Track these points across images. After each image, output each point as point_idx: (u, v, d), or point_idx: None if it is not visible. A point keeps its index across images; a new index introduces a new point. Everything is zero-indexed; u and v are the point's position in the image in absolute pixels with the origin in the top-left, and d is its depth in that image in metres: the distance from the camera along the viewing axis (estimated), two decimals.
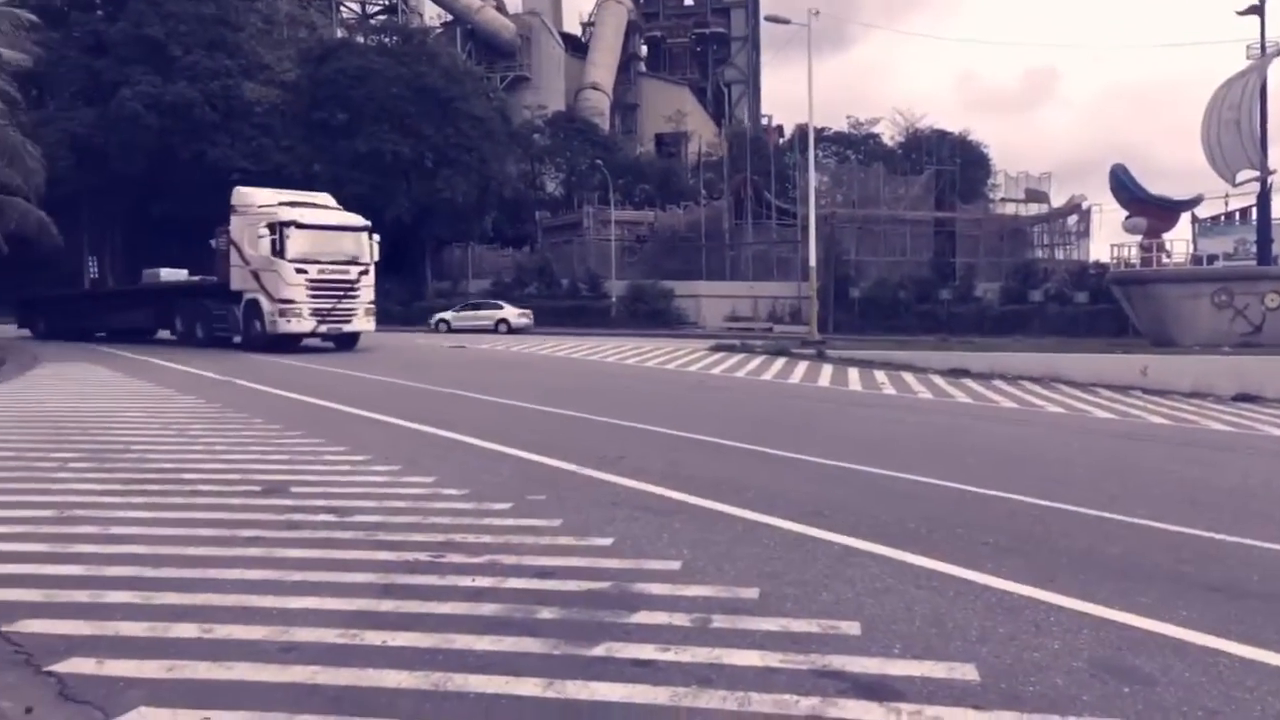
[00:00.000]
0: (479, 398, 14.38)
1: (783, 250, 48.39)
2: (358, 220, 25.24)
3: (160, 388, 15.52)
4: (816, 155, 38.84)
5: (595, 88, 73.58)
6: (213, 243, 25.74)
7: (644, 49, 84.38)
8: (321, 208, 25.41)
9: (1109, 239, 64.77)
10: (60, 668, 3.94)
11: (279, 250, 22.91)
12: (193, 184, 45.58)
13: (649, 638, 4.37)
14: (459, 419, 11.73)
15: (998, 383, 18.89)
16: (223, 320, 25.13)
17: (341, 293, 23.83)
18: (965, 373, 20.28)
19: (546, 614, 4.67)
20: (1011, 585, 5.24)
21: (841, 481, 8.48)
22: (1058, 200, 53.21)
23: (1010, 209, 53.78)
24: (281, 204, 24.13)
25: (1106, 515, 7.12)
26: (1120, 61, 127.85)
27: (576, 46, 79.63)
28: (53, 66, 41.56)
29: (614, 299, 45.22)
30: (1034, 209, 53.14)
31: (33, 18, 26.29)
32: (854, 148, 62.74)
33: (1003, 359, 22.06)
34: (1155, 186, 36.68)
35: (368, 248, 24.52)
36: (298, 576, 5.24)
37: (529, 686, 3.83)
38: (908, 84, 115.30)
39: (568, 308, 44.61)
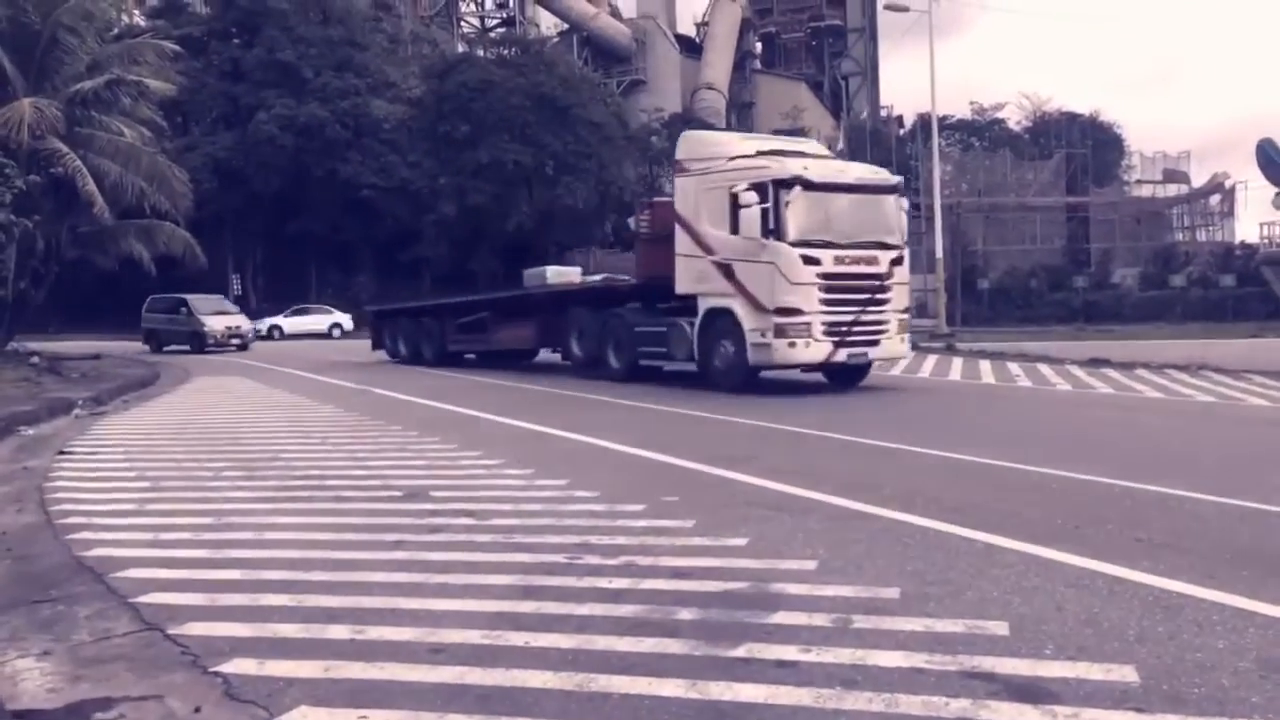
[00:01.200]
0: (608, 400, 14.52)
1: (906, 243, 47.29)
2: (886, 176, 16.61)
3: (300, 397, 16.15)
4: (939, 144, 37.94)
5: (711, 87, 73.38)
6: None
7: (758, 46, 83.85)
8: (817, 157, 16.86)
9: (1257, 218, 61.54)
10: (225, 668, 4.12)
11: (774, 227, 14.37)
12: (326, 202, 47.48)
13: (790, 638, 4.32)
14: (585, 422, 11.85)
15: (1141, 372, 18.12)
16: (656, 341, 16.66)
17: (868, 295, 15.01)
18: (1105, 362, 19.52)
19: (685, 615, 4.67)
20: (1169, 583, 5.01)
21: (981, 477, 8.26)
22: (1199, 180, 50.85)
23: (1147, 191, 51.63)
24: (761, 153, 15.80)
25: (1269, 508, 6.75)
26: (1262, 29, 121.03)
27: (691, 47, 79.63)
28: (194, 94, 43.84)
29: None
30: (1173, 190, 50.90)
31: (176, 48, 27.70)
32: (978, 134, 61.22)
33: (1145, 347, 21.20)
34: None
35: (899, 220, 15.83)
36: (441, 579, 5.36)
37: (672, 687, 3.83)
38: (1033, 66, 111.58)
39: None
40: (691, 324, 15.71)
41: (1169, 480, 7.69)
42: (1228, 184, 48.97)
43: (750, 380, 15.09)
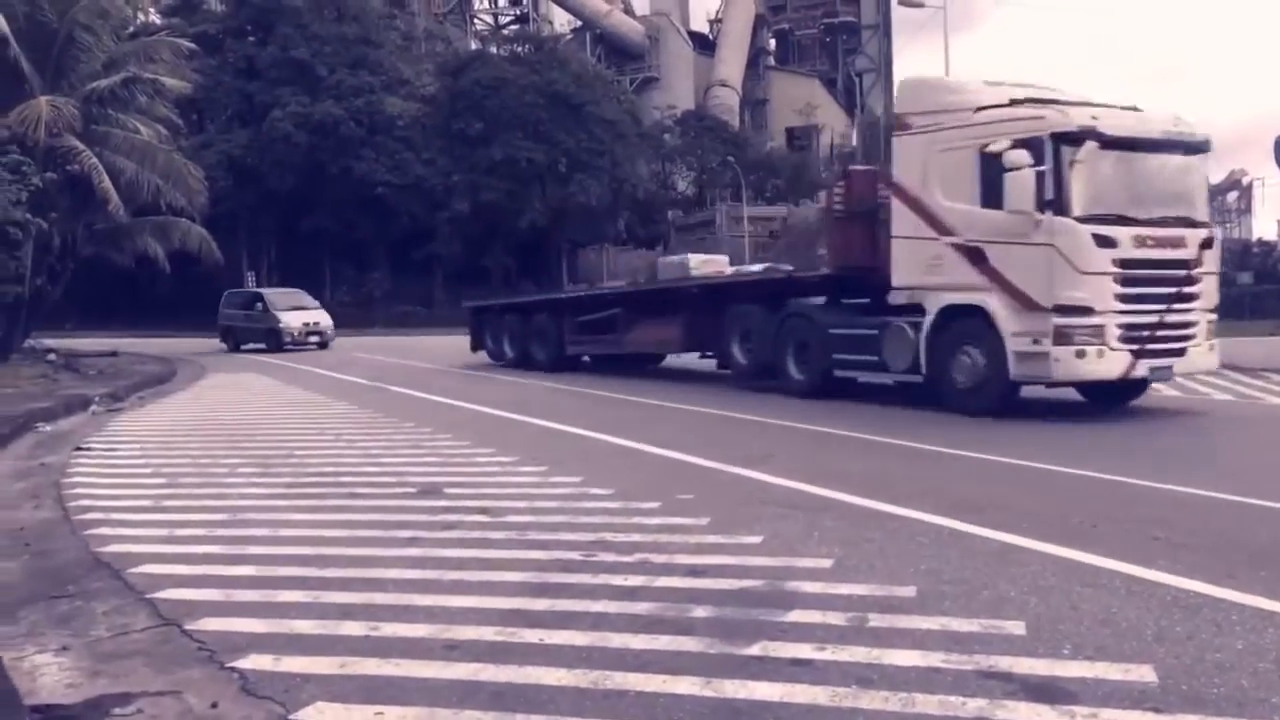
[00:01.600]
0: (618, 397, 14.51)
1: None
2: (1193, 129, 12.06)
3: (314, 394, 16.19)
4: None
5: (724, 84, 73.39)
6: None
7: (772, 42, 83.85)
8: (1091, 104, 12.12)
9: (1274, 215, 61.05)
10: (241, 664, 4.13)
11: (1055, 197, 10.89)
12: (340, 199, 47.63)
13: (805, 636, 4.31)
14: (598, 419, 11.85)
15: None
16: (861, 348, 13.06)
17: (1174, 289, 11.41)
18: None
19: (700, 612, 4.66)
20: (1187, 582, 4.97)
21: (996, 476, 8.23)
22: (1216, 176, 50.53)
23: None
24: (1016, 101, 12.06)
25: None
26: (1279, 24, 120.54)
27: (704, 44, 79.63)
28: (210, 92, 44.03)
29: None
30: None
31: (192, 46, 27.77)
32: None
33: None
34: None
35: (1204, 190, 12.45)
36: (455, 576, 5.37)
37: (687, 685, 3.82)
38: (1047, 61, 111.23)
39: None
40: (916, 325, 12.24)
41: (1186, 479, 7.64)
42: (1245, 180, 48.84)
43: (1008, 400, 11.81)
